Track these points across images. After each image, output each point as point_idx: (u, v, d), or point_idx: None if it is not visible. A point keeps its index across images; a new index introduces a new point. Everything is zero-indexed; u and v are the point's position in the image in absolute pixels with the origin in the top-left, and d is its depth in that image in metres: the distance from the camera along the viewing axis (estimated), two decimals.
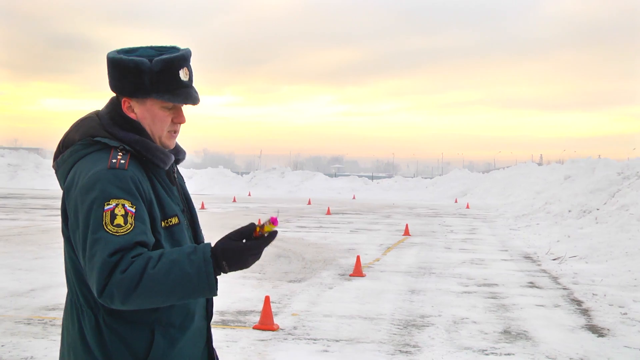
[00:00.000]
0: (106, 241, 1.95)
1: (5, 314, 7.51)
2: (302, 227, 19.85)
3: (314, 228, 19.53)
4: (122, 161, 2.07)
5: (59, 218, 2.25)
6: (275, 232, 2.03)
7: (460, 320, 7.89)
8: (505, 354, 6.50)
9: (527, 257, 13.87)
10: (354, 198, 42.34)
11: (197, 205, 27.27)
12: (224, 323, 7.43)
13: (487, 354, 6.48)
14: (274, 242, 15.05)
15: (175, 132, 2.24)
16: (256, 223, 2.04)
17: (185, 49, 2.21)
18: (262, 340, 6.75)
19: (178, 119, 2.21)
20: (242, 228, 2.04)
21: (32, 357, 5.95)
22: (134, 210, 2.02)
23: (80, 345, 2.11)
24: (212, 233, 16.26)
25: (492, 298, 9.32)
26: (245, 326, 7.31)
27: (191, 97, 2.17)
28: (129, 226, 1.99)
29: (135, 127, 2.17)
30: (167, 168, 2.22)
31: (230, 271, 2.02)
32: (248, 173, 54.97)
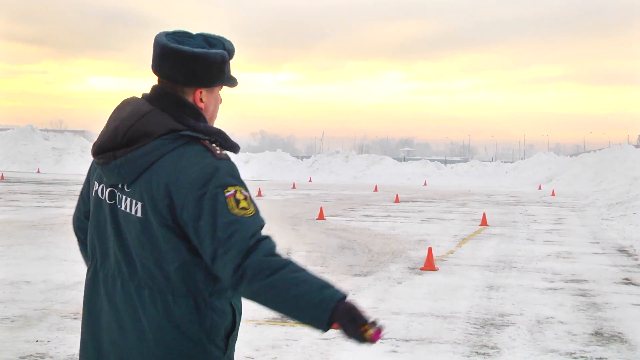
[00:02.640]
0: (240, 223, 2.23)
1: (52, 307, 7.75)
2: (368, 216, 19.90)
3: (382, 217, 19.55)
4: (224, 152, 2.36)
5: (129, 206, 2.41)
6: (365, 340, 2.19)
7: (545, 319, 7.79)
8: (596, 358, 6.39)
9: (622, 251, 13.60)
10: (425, 184, 42.18)
11: (253, 192, 27.56)
12: (283, 320, 7.47)
13: (575, 358, 6.39)
14: (336, 233, 15.27)
15: None
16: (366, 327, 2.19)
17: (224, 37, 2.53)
18: (325, 339, 6.76)
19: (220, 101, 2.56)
20: (362, 314, 2.19)
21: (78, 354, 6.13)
22: (248, 194, 2.32)
23: (170, 329, 2.32)
24: (270, 222, 16.27)
25: (581, 296, 9.17)
26: None
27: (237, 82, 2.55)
28: (253, 208, 2.29)
29: (202, 117, 2.42)
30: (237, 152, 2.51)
31: (331, 325, 2.20)
32: (309, 157, 55.31)
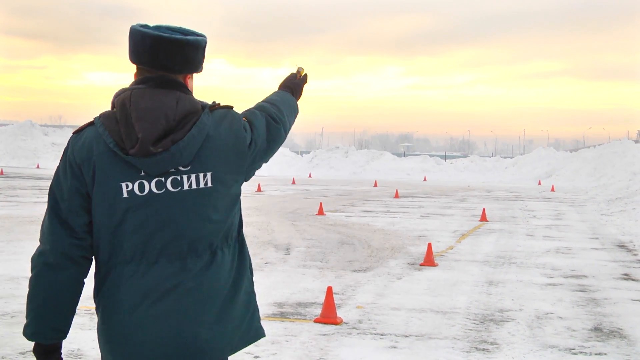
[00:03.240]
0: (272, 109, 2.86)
1: None
2: (367, 211, 19.90)
3: (381, 213, 19.56)
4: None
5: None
6: (305, 76, 3.15)
7: (545, 315, 7.80)
8: (596, 354, 6.40)
9: (622, 246, 13.60)
10: (424, 180, 42.18)
11: (253, 187, 27.65)
12: (283, 315, 7.51)
13: (575, 354, 6.40)
14: (336, 228, 15.26)
15: None
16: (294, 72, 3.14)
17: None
18: (324, 334, 6.80)
19: None
20: (290, 78, 3.11)
21: (79, 350, 6.14)
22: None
23: (246, 275, 2.65)
24: (269, 218, 16.31)
25: (580, 291, 9.18)
26: (305, 319, 7.38)
27: None
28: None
29: None
30: None
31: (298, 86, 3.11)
32: (308, 152, 55.26)
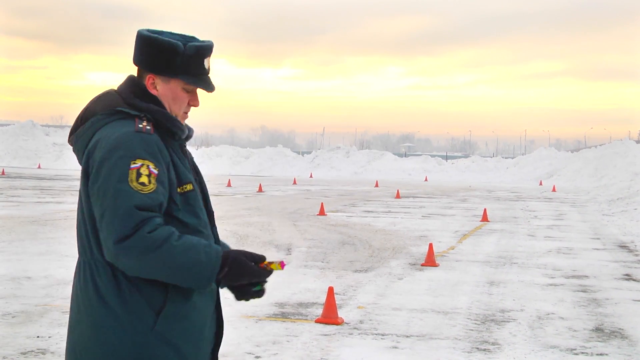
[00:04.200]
0: (132, 195, 2.29)
1: (53, 303, 7.76)
2: (368, 211, 19.89)
3: (382, 213, 19.55)
4: (148, 127, 2.42)
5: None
6: (271, 272, 2.44)
7: (546, 315, 7.80)
8: (597, 354, 6.40)
9: (623, 247, 13.59)
10: (426, 180, 42.14)
11: (254, 188, 27.64)
12: (284, 316, 7.51)
13: (576, 354, 6.39)
14: (337, 228, 15.25)
15: (187, 113, 2.61)
16: (267, 258, 2.48)
17: (210, 40, 2.60)
18: (325, 335, 6.80)
19: (194, 102, 2.60)
20: (254, 253, 2.45)
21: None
22: (157, 172, 2.36)
23: (97, 302, 2.39)
24: (271, 218, 16.32)
25: (582, 292, 9.17)
26: (307, 319, 7.38)
27: (211, 85, 2.59)
28: (153, 186, 2.34)
29: (155, 102, 2.52)
30: (183, 137, 2.56)
31: (223, 280, 2.40)
32: (310, 153, 55.23)
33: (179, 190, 2.45)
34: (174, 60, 2.48)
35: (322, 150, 52.40)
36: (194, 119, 2.73)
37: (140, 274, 2.31)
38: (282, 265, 2.43)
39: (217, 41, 2.63)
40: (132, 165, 2.32)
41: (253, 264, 2.42)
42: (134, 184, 2.30)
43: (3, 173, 35.44)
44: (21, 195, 22.75)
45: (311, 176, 43.32)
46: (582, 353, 6.42)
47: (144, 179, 2.31)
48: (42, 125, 56.88)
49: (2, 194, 22.96)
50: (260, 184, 29.05)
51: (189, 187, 2.49)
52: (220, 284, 2.49)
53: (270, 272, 2.43)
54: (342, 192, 28.52)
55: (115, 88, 2.58)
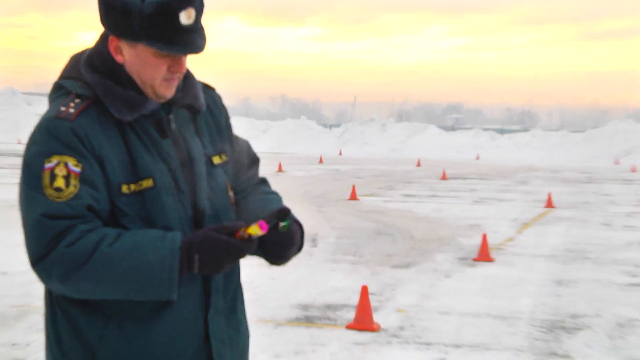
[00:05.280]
0: (45, 204, 2.12)
1: (32, 304, 7.80)
2: (409, 195, 20.00)
3: (425, 197, 19.64)
4: (72, 110, 2.23)
5: None
6: (253, 240, 2.20)
7: (628, 322, 7.74)
8: None
9: None
10: (477, 158, 42.26)
11: (273, 167, 27.69)
12: (308, 320, 7.50)
13: None
14: (371, 216, 15.21)
15: (171, 80, 2.34)
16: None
17: None
18: (359, 343, 6.77)
19: (175, 67, 2.32)
20: (226, 224, 2.22)
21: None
22: (78, 170, 2.17)
23: (45, 332, 2.36)
24: (292, 203, 16.38)
25: None
26: (336, 325, 7.36)
27: (190, 46, 2.28)
28: (73, 189, 2.14)
29: (113, 70, 2.31)
30: (128, 119, 2.28)
31: (199, 271, 2.17)
32: (339, 126, 55.50)
33: (130, 188, 2.23)
34: (131, 22, 2.24)
35: (353, 123, 52.64)
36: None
37: (82, 296, 2.18)
38: (261, 226, 2.19)
39: None
40: (46, 165, 2.15)
41: (227, 236, 2.18)
42: (49, 191, 2.13)
43: None
44: None
45: (340, 153, 43.50)
46: None
47: (59, 183, 2.13)
48: (24, 93, 57.62)
49: None
50: (279, 163, 29.18)
51: (146, 183, 2.25)
52: (211, 280, 2.31)
53: (250, 240, 2.20)
54: (377, 173, 28.67)
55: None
